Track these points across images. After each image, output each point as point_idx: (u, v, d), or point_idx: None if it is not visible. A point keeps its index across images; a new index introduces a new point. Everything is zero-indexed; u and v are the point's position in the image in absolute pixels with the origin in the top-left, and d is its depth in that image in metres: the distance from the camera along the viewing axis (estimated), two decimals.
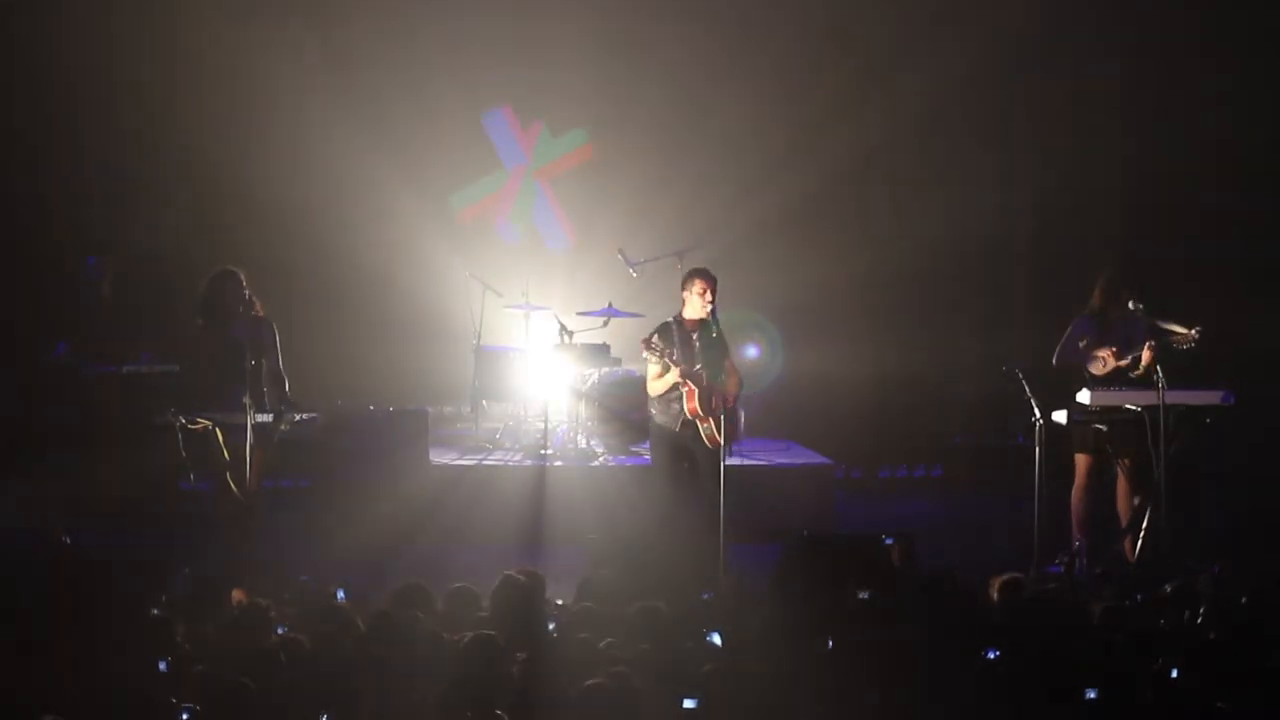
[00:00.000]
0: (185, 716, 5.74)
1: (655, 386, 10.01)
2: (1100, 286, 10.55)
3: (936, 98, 14.64)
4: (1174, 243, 14.23)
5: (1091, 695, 6.11)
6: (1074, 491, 10.54)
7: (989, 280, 15.20)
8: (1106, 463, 10.48)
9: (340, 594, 9.35)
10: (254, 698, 5.92)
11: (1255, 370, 12.55)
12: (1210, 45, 14.18)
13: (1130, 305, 10.36)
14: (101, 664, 6.38)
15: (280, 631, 7.12)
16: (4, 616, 6.94)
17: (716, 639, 6.71)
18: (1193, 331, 10.22)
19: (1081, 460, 10.54)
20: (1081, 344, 10.47)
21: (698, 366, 9.84)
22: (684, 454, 10.03)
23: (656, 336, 9.88)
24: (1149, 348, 10.20)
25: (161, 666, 6.46)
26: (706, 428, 9.81)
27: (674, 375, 9.80)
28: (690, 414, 9.86)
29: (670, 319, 10.04)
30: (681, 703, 5.88)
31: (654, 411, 10.11)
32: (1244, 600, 7.67)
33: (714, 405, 9.77)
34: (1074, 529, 10.47)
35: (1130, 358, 10.32)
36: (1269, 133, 13.98)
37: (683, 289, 10.06)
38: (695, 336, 9.91)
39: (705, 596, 8.06)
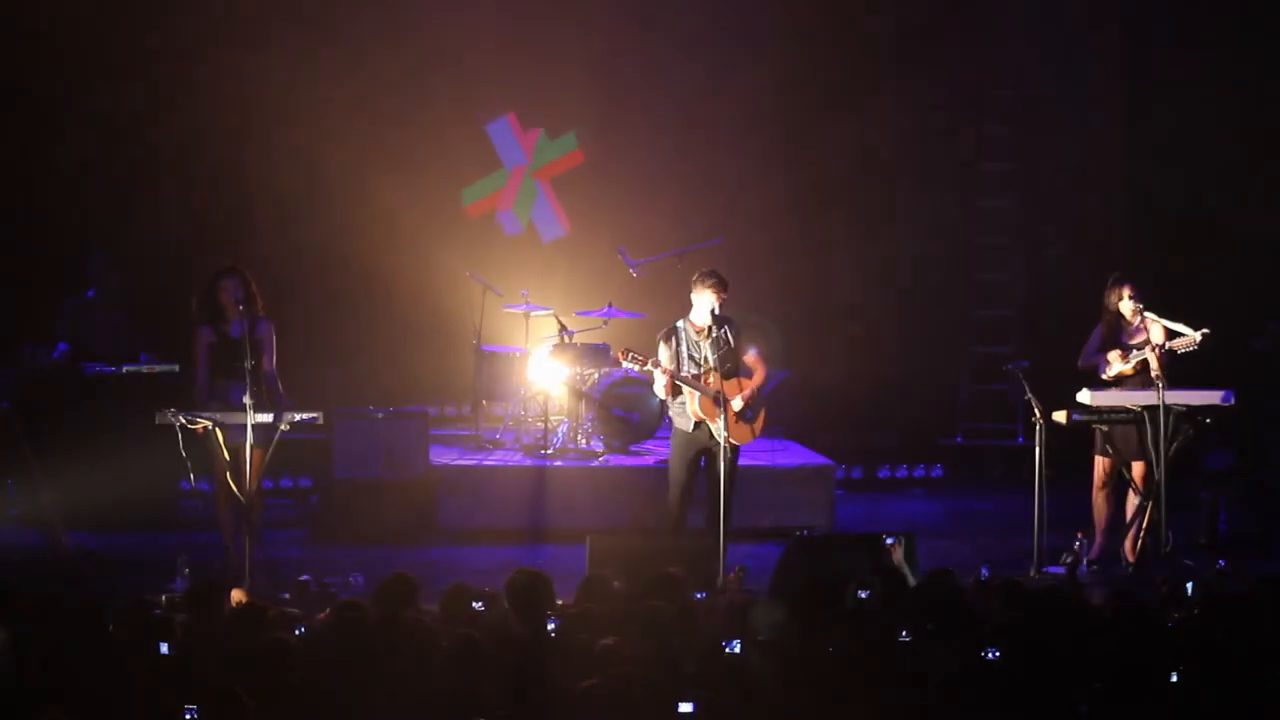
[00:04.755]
0: (190, 717, 5.73)
1: (658, 389, 10.03)
2: (1107, 290, 10.56)
3: (939, 100, 14.63)
4: (1175, 243, 14.23)
5: (1090, 697, 6.10)
6: (1094, 493, 10.57)
7: (990, 280, 15.20)
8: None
9: (359, 579, 9.45)
10: (253, 698, 5.91)
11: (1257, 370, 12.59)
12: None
13: (1131, 306, 10.36)
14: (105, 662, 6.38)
15: (292, 632, 7.12)
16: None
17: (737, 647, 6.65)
18: (1196, 335, 10.20)
19: (1097, 462, 10.54)
20: (1099, 347, 10.48)
21: (694, 371, 9.82)
22: (699, 454, 10.03)
23: (662, 345, 9.91)
24: (1154, 350, 10.18)
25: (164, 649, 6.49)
26: (715, 427, 9.81)
27: (664, 379, 9.81)
28: (694, 416, 9.87)
29: (680, 321, 10.03)
30: (678, 707, 5.86)
31: (671, 413, 10.12)
32: (1243, 600, 7.65)
33: (720, 405, 9.74)
34: (1094, 529, 10.49)
35: (1136, 362, 10.30)
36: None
37: (691, 290, 10.04)
38: (702, 338, 9.90)
39: (699, 596, 8.04)
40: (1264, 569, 9.61)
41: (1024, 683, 6.21)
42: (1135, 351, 10.30)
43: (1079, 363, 10.55)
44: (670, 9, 14.63)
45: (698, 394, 9.79)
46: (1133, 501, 10.45)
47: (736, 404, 9.80)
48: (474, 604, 7.39)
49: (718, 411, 9.75)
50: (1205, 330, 10.17)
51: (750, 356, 10.00)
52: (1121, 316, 10.45)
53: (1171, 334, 10.27)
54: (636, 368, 9.78)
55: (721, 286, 9.88)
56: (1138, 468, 10.39)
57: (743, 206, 14.48)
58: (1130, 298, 10.37)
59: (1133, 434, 10.32)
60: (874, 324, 14.47)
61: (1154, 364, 10.15)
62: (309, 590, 9.44)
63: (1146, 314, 10.32)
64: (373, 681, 6.20)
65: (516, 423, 12.99)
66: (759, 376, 10.00)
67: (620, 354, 9.82)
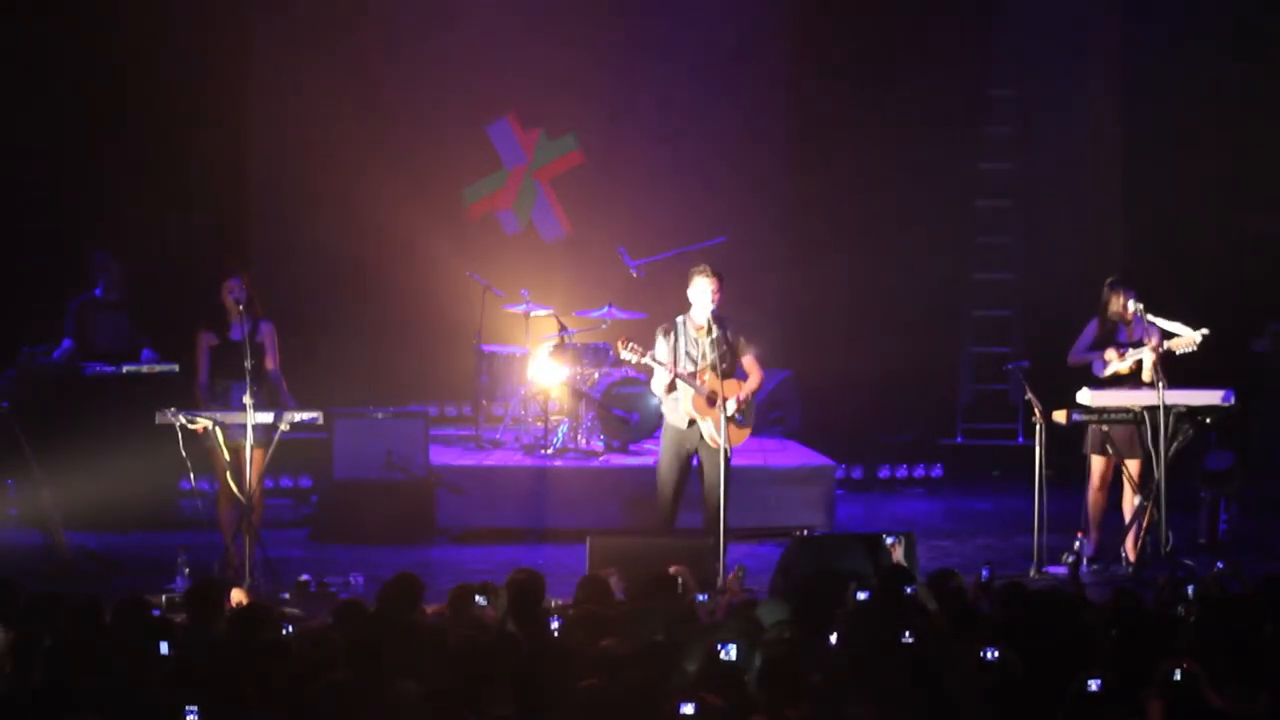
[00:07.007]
0: (190, 717, 5.73)
1: (655, 385, 10.01)
2: (1105, 288, 10.56)
3: (939, 100, 14.63)
4: (1175, 243, 14.23)
5: (1093, 688, 6.09)
6: (1089, 492, 10.57)
7: (989, 280, 15.20)
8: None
9: (359, 579, 9.47)
10: (255, 698, 5.91)
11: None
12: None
13: (1129, 306, 10.37)
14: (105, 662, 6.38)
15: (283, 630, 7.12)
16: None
17: (733, 652, 6.62)
18: (1196, 335, 10.20)
19: (1095, 461, 10.55)
20: (1091, 345, 10.49)
21: (690, 369, 9.81)
22: (690, 452, 10.01)
23: (660, 339, 9.90)
24: (1152, 351, 10.18)
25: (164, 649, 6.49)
26: (706, 426, 9.79)
27: (664, 374, 9.80)
28: (686, 414, 9.85)
29: (680, 317, 10.02)
30: (679, 708, 5.85)
31: (665, 410, 10.11)
32: (1244, 599, 7.65)
33: (716, 405, 9.72)
34: (1090, 528, 10.49)
35: (1133, 362, 10.31)
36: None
37: (689, 286, 10.02)
38: (701, 336, 9.88)
39: (701, 599, 8.05)
40: (1264, 569, 9.62)
41: (1023, 682, 6.21)
42: (1131, 350, 10.31)
43: (1069, 359, 10.57)
44: (670, 10, 14.64)
45: (692, 392, 9.77)
46: (1130, 500, 10.45)
47: (730, 406, 9.74)
48: (476, 597, 7.39)
49: (710, 411, 9.73)
50: (1205, 330, 10.18)
51: (748, 359, 9.98)
52: (1119, 317, 10.46)
53: (1168, 335, 10.27)
54: (634, 358, 9.76)
55: (716, 274, 9.85)
56: (1134, 465, 10.39)
57: (743, 206, 14.48)
58: (1133, 301, 10.37)
59: (1131, 433, 10.33)
60: (874, 324, 14.44)
61: (1149, 364, 10.17)
62: (309, 590, 9.46)
63: (1146, 316, 10.33)
64: (373, 681, 6.20)
65: (516, 423, 12.99)
66: (755, 379, 9.97)
67: (621, 342, 9.78)
